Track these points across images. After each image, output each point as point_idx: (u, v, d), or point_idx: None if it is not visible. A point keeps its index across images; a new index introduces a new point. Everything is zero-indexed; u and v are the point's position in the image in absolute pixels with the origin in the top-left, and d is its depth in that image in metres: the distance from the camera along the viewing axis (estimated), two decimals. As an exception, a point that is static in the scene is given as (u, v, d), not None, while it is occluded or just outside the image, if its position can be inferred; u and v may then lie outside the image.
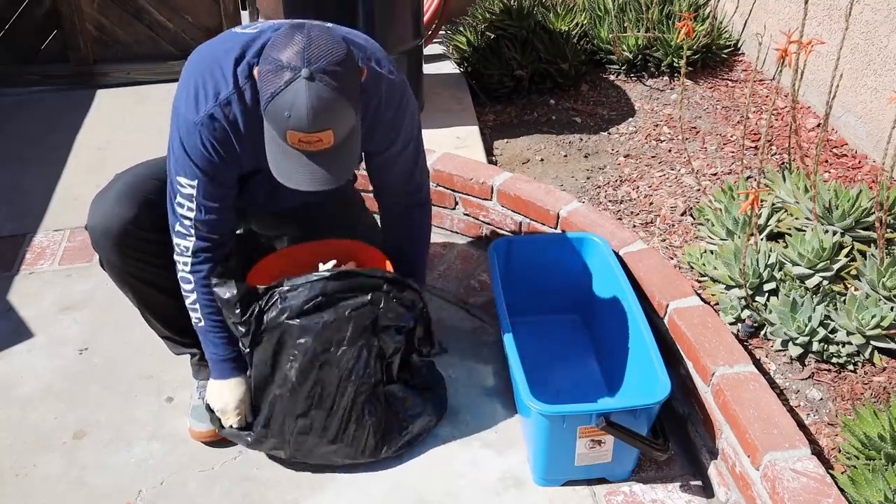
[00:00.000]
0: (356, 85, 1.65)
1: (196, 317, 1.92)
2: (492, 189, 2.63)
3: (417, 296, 1.97)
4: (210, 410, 1.99)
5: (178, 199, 1.81)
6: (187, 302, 1.91)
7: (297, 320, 1.85)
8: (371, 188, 2.11)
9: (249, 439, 1.94)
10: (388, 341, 1.91)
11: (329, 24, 1.74)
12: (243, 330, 1.87)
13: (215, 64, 1.74)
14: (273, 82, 1.57)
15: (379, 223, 2.19)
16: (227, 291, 1.85)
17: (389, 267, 2.01)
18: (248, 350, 1.91)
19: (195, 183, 1.79)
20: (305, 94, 1.54)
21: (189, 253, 1.86)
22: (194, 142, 1.75)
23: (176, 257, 1.89)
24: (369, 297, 1.88)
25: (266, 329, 1.87)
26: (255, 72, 1.66)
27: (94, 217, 1.92)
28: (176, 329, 2.07)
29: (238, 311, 1.85)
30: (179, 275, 1.89)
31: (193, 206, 1.81)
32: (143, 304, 2.05)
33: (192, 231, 1.83)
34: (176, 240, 1.86)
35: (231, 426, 1.96)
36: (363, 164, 2.02)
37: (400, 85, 1.89)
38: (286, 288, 1.85)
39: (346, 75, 1.61)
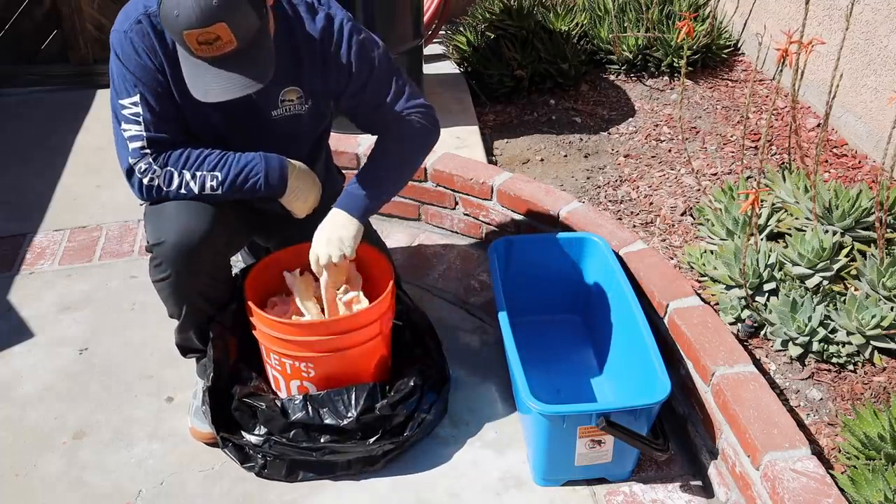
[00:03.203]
0: None
1: (214, 182, 1.81)
2: (492, 189, 2.62)
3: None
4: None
5: (124, 125, 1.80)
6: (194, 186, 1.81)
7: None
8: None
9: (255, 472, 1.95)
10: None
11: None
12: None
13: None
14: None
15: (379, 228, 2.18)
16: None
17: (389, 269, 2.01)
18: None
19: (137, 99, 1.78)
20: None
21: (151, 156, 1.80)
22: (127, 50, 1.78)
23: (146, 179, 1.81)
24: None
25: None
26: None
27: (164, 232, 1.80)
28: (205, 339, 1.99)
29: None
30: (156, 183, 1.81)
31: (141, 127, 1.79)
32: (190, 319, 1.96)
33: (142, 144, 1.79)
34: (131, 162, 1.80)
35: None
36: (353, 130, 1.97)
37: (347, 22, 1.87)
38: (254, 440, 1.93)
39: None
